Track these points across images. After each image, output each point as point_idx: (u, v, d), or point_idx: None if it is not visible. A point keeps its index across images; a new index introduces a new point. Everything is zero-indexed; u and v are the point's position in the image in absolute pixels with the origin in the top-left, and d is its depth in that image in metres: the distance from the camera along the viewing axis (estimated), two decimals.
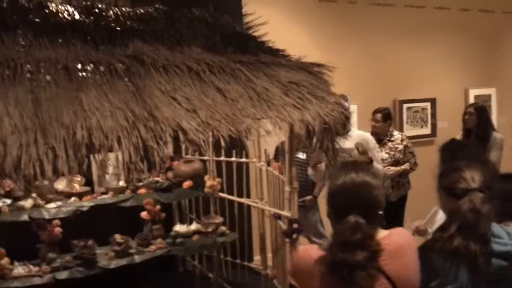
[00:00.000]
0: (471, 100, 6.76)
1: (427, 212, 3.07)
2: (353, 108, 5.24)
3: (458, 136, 5.13)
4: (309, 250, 1.63)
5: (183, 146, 4.20)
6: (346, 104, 4.05)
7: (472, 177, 1.87)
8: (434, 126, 6.55)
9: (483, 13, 6.81)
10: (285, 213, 3.10)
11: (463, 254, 1.79)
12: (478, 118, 4.89)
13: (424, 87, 6.34)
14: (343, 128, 2.84)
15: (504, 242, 1.85)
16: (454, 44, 6.61)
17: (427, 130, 6.45)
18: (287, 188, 3.09)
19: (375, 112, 4.88)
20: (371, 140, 4.46)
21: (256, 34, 3.49)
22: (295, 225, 2.99)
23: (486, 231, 1.81)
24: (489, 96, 6.91)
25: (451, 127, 6.48)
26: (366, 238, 1.56)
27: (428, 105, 6.48)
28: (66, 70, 2.32)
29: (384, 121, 4.77)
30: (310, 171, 4.52)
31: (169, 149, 4.02)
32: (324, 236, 4.58)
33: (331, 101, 2.74)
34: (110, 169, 3.46)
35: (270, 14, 3.49)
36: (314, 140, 2.80)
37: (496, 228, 1.89)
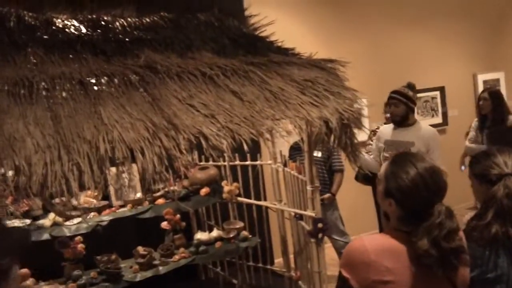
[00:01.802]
0: (480, 85, 6.71)
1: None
2: (363, 102, 5.20)
3: (474, 123, 5.07)
4: (364, 241, 1.59)
5: (195, 153, 4.20)
6: (410, 92, 3.93)
7: (505, 162, 1.83)
8: (445, 114, 6.50)
9: None
10: (309, 213, 3.07)
11: (502, 241, 1.75)
12: (492, 103, 4.80)
13: (432, 75, 6.30)
14: (360, 122, 2.78)
15: None
16: (459, 30, 6.56)
17: (438, 119, 6.40)
18: (309, 188, 3.05)
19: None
20: (436, 138, 3.89)
21: (263, 34, 3.48)
22: (320, 225, 2.95)
23: None
24: (497, 80, 6.85)
25: (462, 115, 6.44)
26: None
27: (437, 94, 6.43)
28: (81, 85, 2.30)
29: (389, 107, 4.69)
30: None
31: (194, 157, 4.02)
32: (345, 234, 4.54)
33: (347, 96, 2.70)
34: (126, 182, 3.43)
35: (273, 14, 3.47)
36: (332, 137, 2.76)
37: None
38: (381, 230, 1.89)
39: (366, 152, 4.58)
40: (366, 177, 4.60)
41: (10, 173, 1.72)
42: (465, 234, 1.77)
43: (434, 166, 1.64)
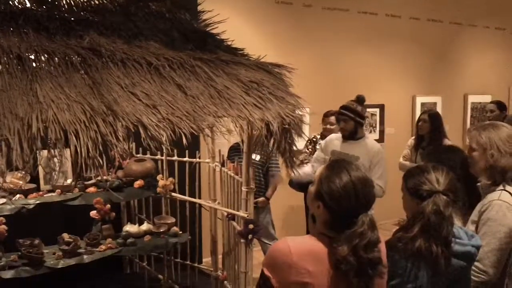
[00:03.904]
0: (418, 107, 7.00)
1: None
2: (306, 110, 5.29)
3: (410, 141, 5.26)
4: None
5: (133, 145, 4.12)
6: (359, 107, 3.98)
7: (438, 180, 1.90)
8: (382, 132, 6.73)
9: (431, 23, 7.07)
10: (242, 213, 3.08)
11: (424, 256, 1.82)
12: (431, 125, 4.99)
13: (374, 93, 6.52)
14: (300, 129, 2.82)
15: (463, 243, 1.91)
16: (404, 52, 6.82)
17: (375, 136, 6.62)
18: (244, 189, 3.07)
19: (328, 114, 4.94)
20: (380, 154, 3.97)
21: (214, 31, 3.47)
22: (251, 226, 2.97)
23: (448, 234, 1.86)
24: (435, 103, 7.18)
25: (398, 133, 6.70)
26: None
27: (377, 111, 6.65)
28: (19, 60, 2.21)
29: (338, 124, 4.82)
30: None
31: (131, 148, 3.93)
32: (275, 239, 4.60)
33: (291, 101, 2.73)
34: (57, 166, 3.32)
35: (226, 13, 3.48)
36: (272, 140, 2.78)
37: (456, 228, 1.94)
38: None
39: (302, 160, 4.67)
40: (300, 184, 4.68)
41: None
42: (390, 244, 1.83)
43: (367, 178, 1.69)
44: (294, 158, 2.87)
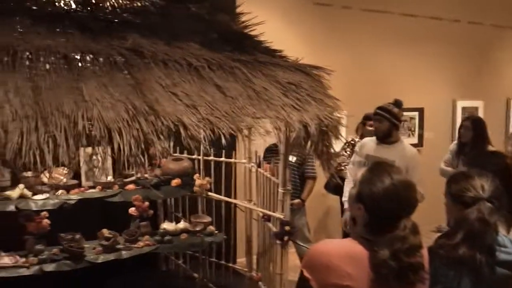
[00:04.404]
0: (459, 112, 6.85)
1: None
2: (343, 113, 5.27)
3: (452, 145, 5.10)
4: (328, 245, 1.62)
5: (171, 144, 4.19)
6: (395, 109, 3.93)
7: (482, 186, 1.86)
8: (421, 136, 6.62)
9: (472, 25, 6.91)
10: (278, 215, 3.09)
11: (467, 264, 1.78)
12: (474, 132, 4.76)
13: (413, 96, 6.42)
14: (338, 131, 2.82)
15: (508, 251, 1.86)
16: (444, 55, 6.69)
17: (414, 140, 6.51)
18: (280, 190, 3.08)
19: (370, 117, 4.86)
20: (416, 159, 3.91)
21: (252, 33, 3.49)
22: (287, 227, 2.98)
23: (493, 242, 1.81)
24: (476, 108, 7.01)
25: (437, 138, 6.57)
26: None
27: (416, 114, 6.55)
28: (65, 60, 2.28)
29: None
30: None
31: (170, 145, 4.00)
32: (310, 241, 4.58)
33: (329, 104, 2.73)
34: (100, 163, 3.40)
35: (264, 15, 3.49)
36: (310, 142, 2.79)
37: (501, 237, 1.89)
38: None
39: (339, 163, 4.64)
40: (336, 187, 4.65)
41: None
42: (432, 250, 1.80)
43: (410, 181, 1.67)
44: (331, 161, 2.86)
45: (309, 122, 2.52)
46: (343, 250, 1.61)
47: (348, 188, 4.14)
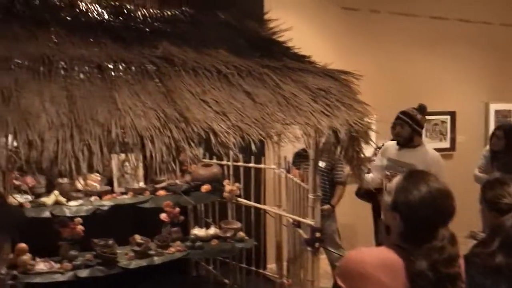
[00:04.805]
0: (492, 115, 6.70)
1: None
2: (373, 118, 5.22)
3: (485, 151, 4.96)
4: (363, 253, 1.60)
5: (200, 150, 4.23)
6: (418, 115, 3.90)
7: None
8: (453, 140, 6.50)
9: (505, 27, 6.77)
10: (308, 221, 3.08)
11: (504, 272, 1.74)
12: (507, 141, 4.57)
13: (443, 99, 6.31)
14: (368, 137, 2.80)
15: None
16: (475, 57, 6.57)
17: (446, 144, 6.40)
18: (311, 196, 3.07)
19: None
20: (439, 163, 3.84)
21: (280, 39, 3.51)
22: (318, 234, 2.96)
23: None
24: (509, 111, 6.84)
25: (470, 142, 6.44)
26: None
27: (447, 118, 6.44)
28: (99, 69, 2.34)
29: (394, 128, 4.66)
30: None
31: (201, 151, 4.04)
32: (341, 247, 4.54)
33: (359, 109, 2.72)
34: (132, 169, 3.46)
35: (292, 21, 3.50)
36: (339, 148, 2.78)
37: None
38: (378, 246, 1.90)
39: (370, 168, 4.59)
40: (368, 194, 4.60)
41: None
42: (467, 259, 1.76)
43: (447, 189, 1.63)
44: (362, 166, 2.84)
45: (339, 127, 2.51)
46: (377, 259, 1.59)
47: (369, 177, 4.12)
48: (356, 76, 3.10)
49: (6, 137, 1.81)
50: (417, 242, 1.56)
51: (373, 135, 3.25)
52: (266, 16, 3.79)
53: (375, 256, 1.60)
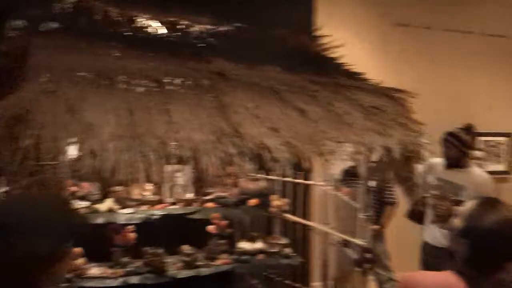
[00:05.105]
0: None
1: None
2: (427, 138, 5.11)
3: None
4: (423, 275, 1.59)
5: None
6: (465, 136, 3.77)
7: None
8: (510, 163, 6.25)
9: None
10: (358, 241, 3.04)
11: None
12: None
13: (500, 120, 6.10)
14: (422, 157, 2.75)
15: None
16: None
17: (501, 167, 6.17)
18: (361, 216, 3.03)
19: None
20: (488, 185, 3.74)
21: (332, 56, 3.51)
22: (367, 254, 2.92)
23: None
24: None
25: None
26: None
27: (504, 139, 6.22)
28: (157, 83, 2.41)
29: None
30: None
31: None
32: (389, 269, 4.44)
33: (413, 128, 2.68)
34: (184, 181, 3.52)
35: (344, 37, 3.49)
36: (392, 168, 2.74)
37: None
38: (425, 269, 1.86)
39: None
40: (421, 216, 4.47)
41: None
42: None
43: None
44: (415, 188, 2.79)
45: (393, 147, 2.48)
46: (437, 282, 1.56)
47: None
48: (411, 94, 3.06)
49: (70, 146, 1.89)
50: (484, 271, 1.52)
51: (426, 154, 3.19)
52: (318, 32, 3.80)
53: (435, 279, 1.57)
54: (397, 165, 2.57)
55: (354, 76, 3.26)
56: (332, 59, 3.47)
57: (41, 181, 2.58)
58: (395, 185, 4.18)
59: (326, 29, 3.66)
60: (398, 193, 4.23)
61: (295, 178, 4.08)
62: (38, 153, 1.88)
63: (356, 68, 3.39)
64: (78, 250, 3.04)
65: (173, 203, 3.71)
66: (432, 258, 3.75)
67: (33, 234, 1.21)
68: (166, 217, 3.46)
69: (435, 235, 3.71)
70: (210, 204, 3.77)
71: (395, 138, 2.53)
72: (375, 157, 2.72)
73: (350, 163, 4.21)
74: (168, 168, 3.43)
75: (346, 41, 3.45)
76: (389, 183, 4.41)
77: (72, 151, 1.91)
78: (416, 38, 5.71)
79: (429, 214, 3.76)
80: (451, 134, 3.81)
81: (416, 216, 4.54)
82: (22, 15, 2.64)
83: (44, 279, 1.27)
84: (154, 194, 3.70)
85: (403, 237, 5.27)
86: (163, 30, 3.13)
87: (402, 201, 4.27)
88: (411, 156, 2.59)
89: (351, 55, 3.48)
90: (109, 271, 3.07)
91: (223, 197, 3.87)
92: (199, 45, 3.15)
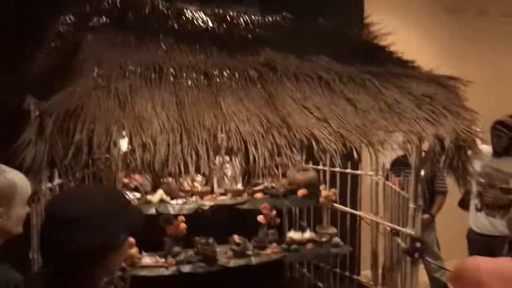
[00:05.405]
0: None
1: None
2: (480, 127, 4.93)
3: None
4: (479, 261, 1.55)
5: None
6: None
7: None
8: None
9: None
10: (409, 230, 2.99)
11: None
12: None
13: None
14: (476, 146, 2.66)
15: None
16: None
17: None
18: (411, 205, 2.98)
19: None
20: None
21: (382, 44, 3.43)
22: (418, 244, 2.87)
23: None
24: None
25: None
26: None
27: None
28: (206, 76, 2.44)
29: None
30: None
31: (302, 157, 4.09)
32: (439, 258, 4.35)
33: (466, 117, 2.60)
34: (235, 172, 3.55)
35: (395, 24, 3.40)
36: (444, 157, 2.66)
37: None
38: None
39: None
40: None
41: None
42: None
43: None
44: (468, 177, 2.71)
45: (445, 135, 2.42)
46: (495, 268, 1.52)
47: None
48: (464, 82, 2.96)
49: (122, 139, 1.95)
50: None
51: (479, 143, 3.09)
52: (367, 20, 3.73)
53: (492, 265, 1.53)
54: (449, 154, 2.49)
55: (404, 64, 3.19)
56: (382, 47, 3.40)
57: (94, 174, 2.68)
58: (446, 174, 4.08)
59: (377, 16, 3.58)
60: (449, 182, 4.11)
61: (345, 168, 4.04)
62: (91, 147, 1.94)
63: (406, 56, 3.31)
64: (131, 239, 3.12)
65: (223, 194, 3.76)
66: (477, 245, 3.74)
67: (90, 227, 1.24)
68: (215, 208, 3.51)
69: (483, 222, 3.69)
70: (259, 195, 3.80)
71: (447, 127, 2.46)
72: (426, 146, 2.65)
73: (400, 153, 4.14)
74: (218, 159, 3.47)
75: (396, 28, 3.36)
76: (440, 172, 4.30)
77: (124, 144, 1.96)
78: (470, 24, 5.51)
79: (475, 202, 3.75)
80: (500, 122, 3.70)
81: (468, 205, 4.43)
82: (73, 11, 2.72)
83: (100, 270, 1.30)
84: (204, 185, 3.77)
85: (453, 226, 5.15)
86: (210, 23, 3.16)
87: (453, 191, 4.17)
88: (463, 145, 2.51)
89: (402, 43, 3.40)
90: (161, 260, 3.15)
91: (272, 188, 3.90)
92: (247, 36, 3.16)
